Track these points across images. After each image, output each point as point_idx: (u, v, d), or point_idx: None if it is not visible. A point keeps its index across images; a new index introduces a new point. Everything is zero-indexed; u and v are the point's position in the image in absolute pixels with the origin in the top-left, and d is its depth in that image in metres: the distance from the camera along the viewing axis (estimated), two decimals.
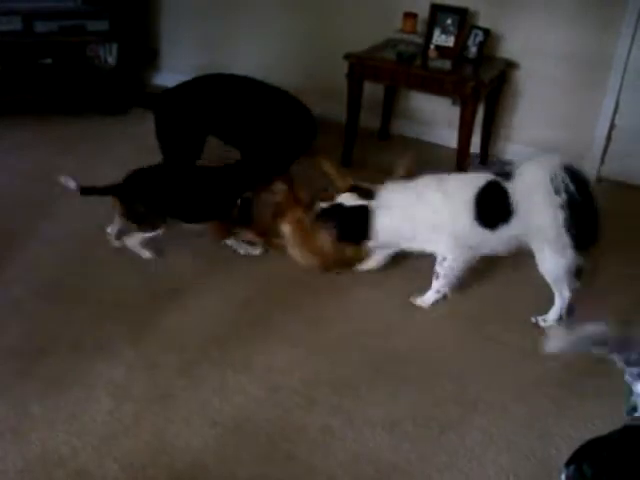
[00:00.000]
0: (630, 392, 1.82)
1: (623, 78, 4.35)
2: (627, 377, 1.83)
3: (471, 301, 3.27)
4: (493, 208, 3.02)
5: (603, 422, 2.50)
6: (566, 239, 2.93)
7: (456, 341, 3.02)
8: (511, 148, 4.76)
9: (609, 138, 4.52)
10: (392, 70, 4.28)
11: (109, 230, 3.44)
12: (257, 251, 3.50)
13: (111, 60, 5.01)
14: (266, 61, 5.31)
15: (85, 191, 3.25)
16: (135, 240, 3.35)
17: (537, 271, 3.05)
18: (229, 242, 3.49)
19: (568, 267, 3.01)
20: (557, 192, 2.88)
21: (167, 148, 3.85)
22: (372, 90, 4.55)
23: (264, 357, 2.80)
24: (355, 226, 3.17)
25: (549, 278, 3.07)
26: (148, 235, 3.32)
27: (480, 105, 4.33)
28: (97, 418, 2.46)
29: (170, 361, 2.73)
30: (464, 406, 2.63)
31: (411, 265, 3.44)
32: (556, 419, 2.60)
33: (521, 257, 3.15)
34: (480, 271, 3.32)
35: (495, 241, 3.08)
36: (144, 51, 4.00)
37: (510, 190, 2.96)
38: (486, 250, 3.15)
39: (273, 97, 3.88)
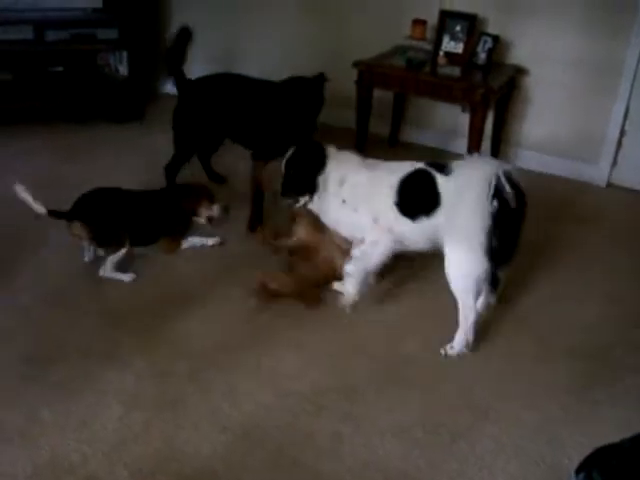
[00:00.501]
0: None
1: (633, 84, 4.34)
2: None
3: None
4: (416, 197, 2.93)
5: (614, 430, 2.48)
6: (483, 246, 2.73)
7: None
8: (521, 154, 4.75)
9: (619, 144, 4.51)
10: (401, 77, 4.29)
11: (86, 259, 3.40)
12: (211, 241, 3.60)
13: (121, 68, 5.04)
14: (276, 69, 5.31)
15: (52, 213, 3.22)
16: (109, 267, 3.28)
17: None
18: (185, 246, 3.56)
19: (477, 278, 2.80)
20: (491, 196, 2.69)
21: (180, 139, 3.94)
22: (382, 96, 4.55)
23: (272, 363, 2.81)
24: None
25: (454, 285, 2.86)
26: (116, 257, 3.28)
27: (490, 111, 4.33)
28: (107, 425, 2.46)
29: (179, 368, 2.74)
30: (474, 413, 2.62)
31: (423, 277, 3.44)
32: (567, 426, 2.58)
33: None
34: None
35: (416, 233, 2.96)
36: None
37: (440, 182, 2.85)
38: (409, 242, 3.02)
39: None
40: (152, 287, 3.26)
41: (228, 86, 3.91)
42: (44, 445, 2.36)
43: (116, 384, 2.64)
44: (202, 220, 3.50)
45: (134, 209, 3.38)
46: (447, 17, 4.44)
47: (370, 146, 4.57)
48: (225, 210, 3.52)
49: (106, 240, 3.27)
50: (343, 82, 4.18)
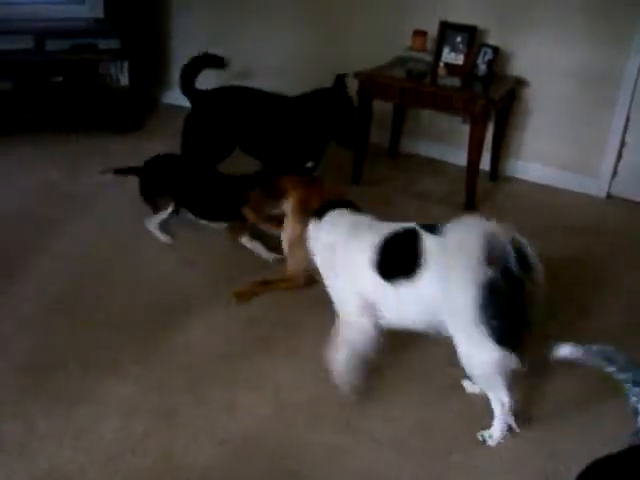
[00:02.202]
0: (636, 413, 1.81)
1: (633, 95, 4.34)
2: (632, 398, 1.81)
3: None
4: (396, 256, 2.48)
5: (615, 442, 2.47)
6: (483, 327, 2.24)
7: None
8: (521, 165, 4.76)
9: (619, 155, 4.51)
10: (402, 88, 4.28)
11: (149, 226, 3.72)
12: (270, 256, 3.56)
13: (122, 78, 5.03)
14: (275, 83, 5.33)
15: (117, 171, 3.82)
16: (153, 222, 3.69)
17: None
18: (244, 241, 3.63)
19: (494, 367, 2.34)
20: (486, 262, 2.21)
21: (189, 146, 4.00)
22: (382, 107, 4.55)
23: (271, 375, 2.80)
24: None
25: (474, 379, 2.54)
26: (160, 216, 3.66)
27: (490, 123, 4.34)
28: (104, 435, 2.45)
29: (177, 379, 2.73)
30: (472, 424, 2.60)
31: None
32: (566, 438, 2.57)
33: None
34: None
35: (402, 305, 2.48)
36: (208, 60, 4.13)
37: (426, 241, 2.39)
38: (398, 319, 2.55)
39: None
40: (152, 296, 3.25)
41: (245, 98, 4.01)
42: (42, 456, 2.34)
43: (114, 394, 2.63)
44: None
45: (192, 181, 3.69)
46: (447, 28, 4.44)
47: (370, 157, 4.58)
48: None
49: (148, 197, 3.69)
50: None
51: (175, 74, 5.61)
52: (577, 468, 1.67)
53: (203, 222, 3.73)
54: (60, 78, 4.94)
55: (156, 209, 3.68)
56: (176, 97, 5.64)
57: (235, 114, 3.98)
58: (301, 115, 3.92)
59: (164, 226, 3.74)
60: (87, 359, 2.81)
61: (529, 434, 2.58)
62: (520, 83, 4.55)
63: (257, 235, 3.66)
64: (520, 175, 4.75)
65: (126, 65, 4.98)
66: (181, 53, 5.55)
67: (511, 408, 2.48)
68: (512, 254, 2.22)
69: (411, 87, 4.28)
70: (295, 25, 5.13)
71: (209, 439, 2.46)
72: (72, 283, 3.32)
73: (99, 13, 4.77)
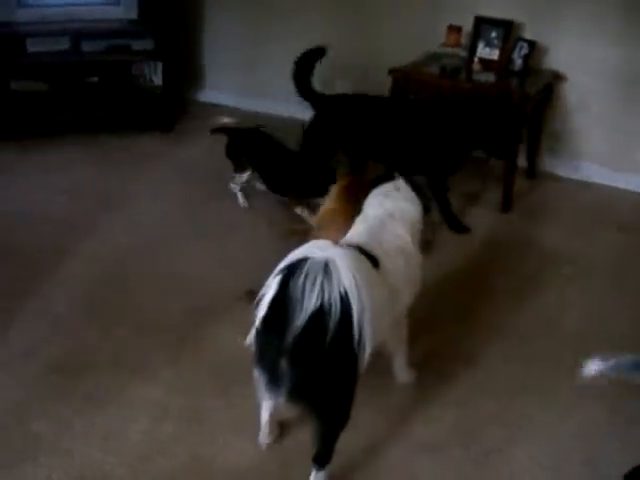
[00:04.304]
0: None
1: None
2: None
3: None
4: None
5: None
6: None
7: (498, 358, 2.93)
8: (557, 161, 4.65)
9: None
10: (436, 84, 4.22)
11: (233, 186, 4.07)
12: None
13: (156, 79, 5.05)
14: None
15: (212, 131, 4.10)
16: (236, 183, 4.04)
17: None
18: (299, 211, 3.83)
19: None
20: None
21: (308, 144, 3.99)
22: None
23: None
24: None
25: None
26: (242, 177, 3.99)
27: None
28: (133, 437, 2.44)
29: (208, 381, 2.70)
30: (509, 428, 2.55)
31: None
32: (604, 443, 2.50)
33: None
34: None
35: None
36: None
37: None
38: None
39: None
40: (184, 297, 3.22)
41: (376, 105, 3.94)
42: (77, 455, 2.35)
43: (144, 396, 2.62)
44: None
45: (269, 153, 3.97)
46: (482, 23, 4.36)
47: None
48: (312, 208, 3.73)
49: (232, 157, 4.01)
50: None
51: (209, 74, 5.69)
52: (616, 475, 1.61)
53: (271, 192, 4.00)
54: (95, 79, 4.97)
55: (238, 168, 3.99)
56: (209, 96, 5.70)
57: (367, 122, 3.90)
58: (450, 122, 3.82)
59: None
60: (117, 360, 2.80)
61: (566, 438, 2.52)
62: (557, 77, 4.45)
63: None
64: (556, 170, 4.65)
65: (160, 66, 4.99)
66: (214, 53, 5.60)
67: None
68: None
69: (446, 83, 4.21)
70: (328, 22, 5.07)
71: (241, 440, 2.42)
72: (103, 283, 3.32)
73: (133, 14, 4.79)
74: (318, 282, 1.83)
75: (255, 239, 3.69)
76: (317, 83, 4.10)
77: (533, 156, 4.60)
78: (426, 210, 2.57)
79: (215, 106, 5.65)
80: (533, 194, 4.43)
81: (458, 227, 3.91)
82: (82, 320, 3.05)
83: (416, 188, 2.56)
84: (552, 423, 2.59)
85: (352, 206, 3.01)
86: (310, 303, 1.82)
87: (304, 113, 5.21)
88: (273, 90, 5.42)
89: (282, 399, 1.99)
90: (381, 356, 2.55)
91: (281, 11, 5.23)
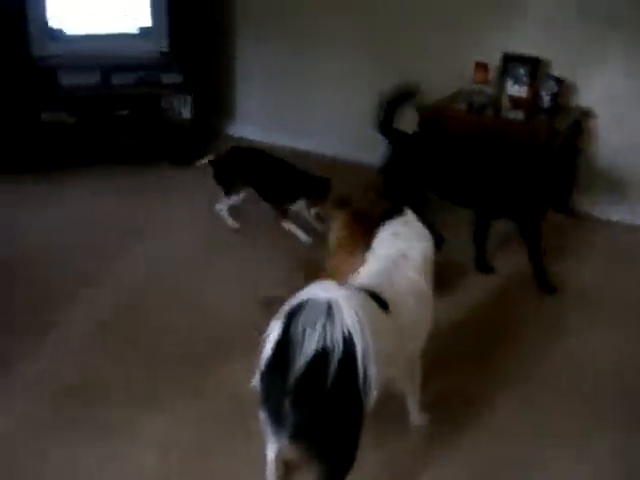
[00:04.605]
0: None
1: None
2: None
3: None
4: None
5: None
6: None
7: (515, 403, 2.85)
8: (588, 199, 4.56)
9: None
10: (464, 120, 4.20)
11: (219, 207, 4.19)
12: (304, 237, 3.99)
13: (185, 112, 5.08)
14: (335, 113, 5.32)
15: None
16: (222, 205, 4.16)
17: None
18: (286, 225, 4.03)
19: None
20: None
21: (390, 186, 3.86)
22: None
23: None
24: None
25: None
26: (229, 201, 4.12)
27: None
28: (144, 471, 2.43)
29: (221, 415, 2.67)
30: (523, 473, 2.50)
31: None
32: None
33: None
34: None
35: None
36: None
37: None
38: None
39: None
40: (200, 330, 3.22)
41: (454, 145, 3.82)
42: None
43: (155, 429, 2.61)
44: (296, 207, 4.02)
45: (263, 170, 4.10)
46: (510, 61, 4.34)
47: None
48: (318, 217, 3.95)
49: (221, 182, 4.12)
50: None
51: (239, 107, 5.73)
52: None
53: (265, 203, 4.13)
54: (125, 112, 5.02)
55: (228, 192, 4.12)
56: (239, 130, 5.73)
57: (444, 161, 3.77)
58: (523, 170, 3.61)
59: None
60: (131, 393, 2.79)
61: (603, 449, 2.51)
62: (586, 114, 4.40)
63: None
64: (583, 207, 4.55)
65: (189, 98, 5.03)
66: (245, 85, 5.64)
67: None
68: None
69: (473, 119, 4.19)
70: (358, 58, 5.09)
71: (253, 477, 2.37)
72: (121, 314, 3.32)
73: (164, 46, 4.85)
74: (319, 324, 1.81)
75: (276, 277, 3.61)
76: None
77: (565, 194, 4.52)
78: (438, 245, 2.52)
79: (244, 139, 5.69)
80: (564, 233, 4.32)
81: (547, 287, 3.66)
82: (98, 350, 3.06)
83: (426, 222, 2.52)
84: (567, 470, 2.52)
85: (362, 243, 3.04)
86: (311, 345, 1.81)
87: (335, 150, 5.27)
88: (304, 126, 5.46)
89: (285, 441, 1.96)
90: (393, 397, 2.51)
91: (315, 45, 5.25)
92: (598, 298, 3.64)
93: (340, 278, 3.17)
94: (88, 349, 3.06)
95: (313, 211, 3.99)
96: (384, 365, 1.94)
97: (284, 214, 4.07)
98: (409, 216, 2.51)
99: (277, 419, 1.94)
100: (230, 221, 4.16)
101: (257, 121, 5.67)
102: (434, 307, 2.45)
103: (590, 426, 2.71)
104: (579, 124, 4.40)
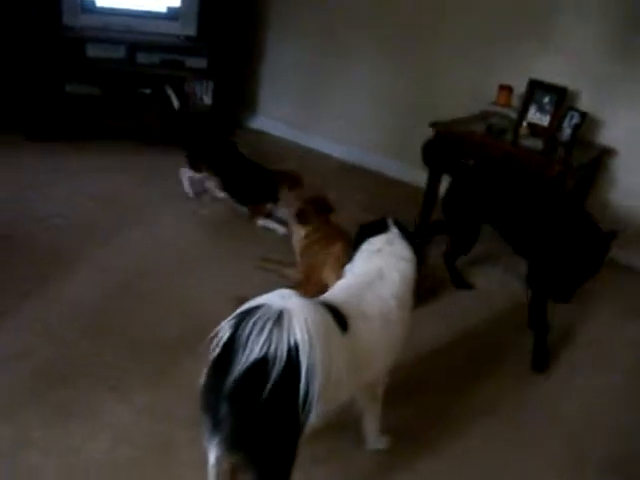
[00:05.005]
0: None
1: None
2: None
3: None
4: None
5: None
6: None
7: (482, 436, 2.79)
8: None
9: None
10: (479, 143, 4.11)
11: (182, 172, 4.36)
12: (281, 230, 4.07)
13: (206, 98, 5.07)
14: (356, 119, 5.28)
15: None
16: (184, 174, 4.33)
17: None
18: (261, 222, 4.14)
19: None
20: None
21: (451, 217, 3.75)
22: None
23: None
24: None
25: None
26: (189, 174, 4.31)
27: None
28: (93, 456, 2.41)
29: (181, 412, 2.62)
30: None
31: None
32: None
33: None
34: None
35: None
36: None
37: None
38: None
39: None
40: (181, 321, 3.17)
41: (512, 180, 3.59)
42: (27, 467, 2.32)
43: (115, 416, 2.59)
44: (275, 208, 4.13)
45: (230, 161, 4.25)
46: (536, 87, 4.25)
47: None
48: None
49: (190, 159, 4.31)
50: (418, 139, 4.07)
51: (262, 101, 5.70)
52: None
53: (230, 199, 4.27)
54: (148, 90, 5.02)
55: (192, 168, 4.31)
56: (261, 123, 5.71)
57: (496, 196, 3.53)
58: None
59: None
60: (99, 377, 2.77)
61: None
62: (607, 152, 4.31)
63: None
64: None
65: (211, 85, 5.02)
66: (270, 80, 5.62)
67: None
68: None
69: (489, 142, 4.10)
70: (384, 68, 5.06)
71: (197, 477, 2.34)
72: (107, 295, 3.31)
73: (192, 31, 4.85)
74: (266, 330, 1.76)
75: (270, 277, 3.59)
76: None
77: None
78: (420, 262, 2.46)
79: (264, 134, 5.68)
80: None
81: (539, 363, 3.30)
82: (76, 329, 3.04)
83: (411, 241, 2.45)
84: None
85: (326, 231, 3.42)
86: (254, 350, 1.76)
87: (351, 156, 5.23)
88: (325, 128, 5.43)
89: (220, 446, 1.92)
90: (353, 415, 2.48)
91: (345, 50, 5.23)
92: (589, 341, 3.57)
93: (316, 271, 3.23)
94: (63, 329, 3.03)
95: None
96: (332, 387, 1.89)
97: (257, 212, 4.17)
98: (393, 233, 2.45)
99: (214, 424, 1.90)
100: (187, 186, 4.34)
101: (278, 117, 5.65)
102: (407, 330, 2.37)
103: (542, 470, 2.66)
104: (599, 161, 4.31)
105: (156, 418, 2.61)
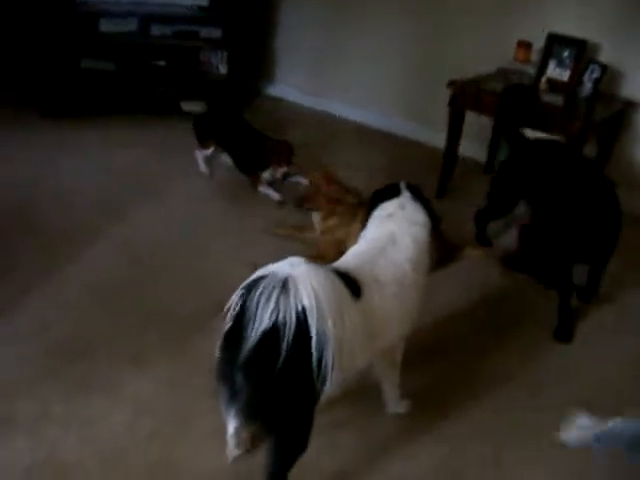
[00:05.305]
0: None
1: None
2: None
3: None
4: None
5: None
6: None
7: (500, 403, 2.76)
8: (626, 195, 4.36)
9: None
10: (496, 101, 4.03)
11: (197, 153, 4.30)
12: (277, 197, 4.10)
13: (222, 67, 5.04)
14: (373, 82, 5.22)
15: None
16: (199, 155, 4.26)
17: None
18: (262, 190, 4.14)
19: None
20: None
21: (498, 193, 3.72)
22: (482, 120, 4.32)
23: None
24: None
25: None
26: (204, 152, 4.23)
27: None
28: (113, 429, 2.43)
29: (199, 383, 2.62)
30: (495, 473, 2.42)
31: None
32: None
33: None
34: None
35: None
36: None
37: None
38: None
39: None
40: (197, 296, 3.16)
41: (564, 158, 3.48)
42: (48, 440, 2.35)
43: (133, 389, 2.61)
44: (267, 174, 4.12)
45: (234, 132, 4.22)
46: (555, 41, 4.15)
47: (462, 170, 4.39)
48: (284, 176, 4.08)
49: (198, 138, 4.24)
50: (436, 100, 4.01)
51: (279, 68, 5.65)
52: None
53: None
54: (162, 62, 5.00)
55: (200, 144, 4.25)
56: (279, 90, 5.66)
57: (544, 172, 3.43)
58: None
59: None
60: (116, 350, 2.80)
61: None
62: (630, 106, 4.20)
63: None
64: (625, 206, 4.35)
65: (226, 54, 4.98)
66: (287, 47, 5.56)
67: None
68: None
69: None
70: (399, 30, 4.97)
71: (215, 448, 2.34)
72: (122, 270, 3.32)
73: (204, 1, 4.79)
74: (273, 299, 1.75)
75: (287, 246, 3.55)
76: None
77: None
78: (435, 225, 2.43)
79: (282, 101, 5.63)
80: None
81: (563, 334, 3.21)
82: (92, 305, 3.06)
83: (424, 204, 2.42)
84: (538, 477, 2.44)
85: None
86: (263, 319, 1.75)
87: (369, 119, 5.18)
88: (342, 92, 5.38)
89: (238, 416, 1.92)
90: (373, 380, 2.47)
91: (360, 8, 5.14)
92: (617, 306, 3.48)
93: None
94: (81, 304, 3.05)
95: (280, 172, 4.09)
96: (347, 354, 1.88)
97: (257, 180, 4.17)
98: (406, 197, 2.42)
99: (231, 395, 1.90)
100: (202, 167, 4.29)
101: (295, 83, 5.61)
102: (423, 295, 2.35)
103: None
104: (622, 115, 4.20)
105: (175, 389, 2.63)
